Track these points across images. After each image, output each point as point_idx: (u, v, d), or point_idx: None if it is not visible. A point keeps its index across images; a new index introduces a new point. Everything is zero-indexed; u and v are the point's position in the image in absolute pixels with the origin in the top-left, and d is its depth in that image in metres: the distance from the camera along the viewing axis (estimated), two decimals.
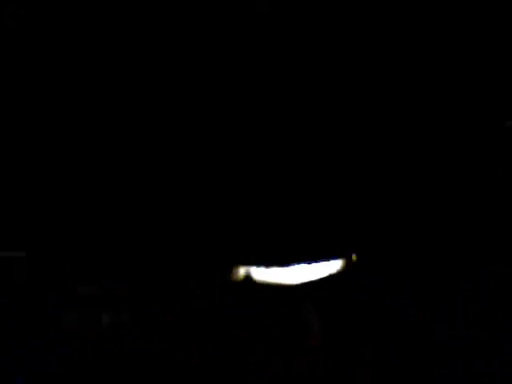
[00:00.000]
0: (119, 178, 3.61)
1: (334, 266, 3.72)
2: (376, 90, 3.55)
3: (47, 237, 3.55)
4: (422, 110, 3.52)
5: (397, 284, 3.44)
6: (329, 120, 3.56)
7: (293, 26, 3.61)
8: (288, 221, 3.65)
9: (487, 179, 3.48)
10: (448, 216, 3.51)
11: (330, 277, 3.63)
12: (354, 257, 3.68)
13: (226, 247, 3.65)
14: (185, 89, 3.65)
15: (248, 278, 3.67)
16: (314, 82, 3.60)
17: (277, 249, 3.68)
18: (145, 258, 3.56)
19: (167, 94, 3.65)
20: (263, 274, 3.69)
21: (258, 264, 3.66)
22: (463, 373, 3.26)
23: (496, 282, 3.39)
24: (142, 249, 3.57)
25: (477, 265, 3.44)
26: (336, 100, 3.56)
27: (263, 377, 3.31)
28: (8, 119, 3.63)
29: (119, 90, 3.65)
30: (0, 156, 3.61)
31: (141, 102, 3.65)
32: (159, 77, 3.64)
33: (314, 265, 3.69)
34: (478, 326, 3.35)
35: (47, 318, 3.47)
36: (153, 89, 3.64)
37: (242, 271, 3.68)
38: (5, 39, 3.63)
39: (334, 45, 3.58)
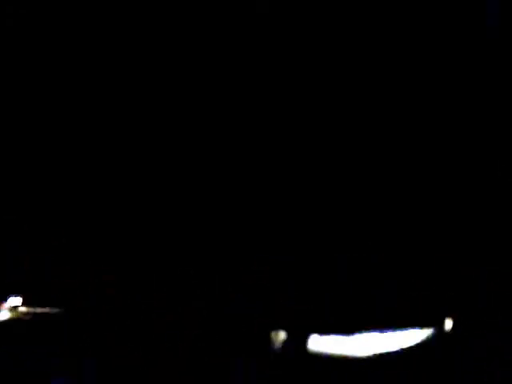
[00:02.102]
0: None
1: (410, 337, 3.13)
2: (376, 90, 3.54)
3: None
4: (422, 111, 3.52)
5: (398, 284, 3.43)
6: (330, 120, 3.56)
7: (292, 25, 3.60)
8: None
9: (487, 179, 3.47)
10: (448, 216, 3.50)
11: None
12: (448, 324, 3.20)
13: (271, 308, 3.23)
14: (185, 88, 3.64)
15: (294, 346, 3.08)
16: (313, 82, 3.60)
17: (339, 312, 3.14)
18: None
19: (167, 93, 3.64)
20: (317, 344, 3.09)
21: (311, 331, 3.11)
22: (464, 372, 3.26)
23: (496, 282, 3.38)
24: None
25: (477, 265, 3.43)
26: (336, 100, 3.56)
27: (263, 377, 3.31)
28: (8, 119, 3.63)
29: (119, 90, 3.64)
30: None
31: (141, 102, 3.64)
32: (159, 77, 3.64)
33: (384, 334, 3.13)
34: (477, 326, 3.34)
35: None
36: (153, 89, 3.64)
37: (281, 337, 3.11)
38: (5, 39, 3.62)
39: (334, 44, 3.58)
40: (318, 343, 3.14)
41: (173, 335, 3.39)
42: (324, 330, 3.13)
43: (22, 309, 3.38)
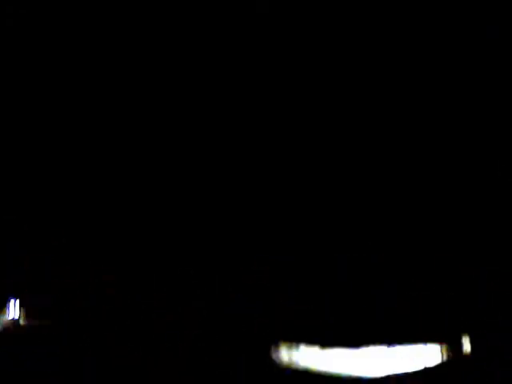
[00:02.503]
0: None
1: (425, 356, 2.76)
2: (376, 91, 3.54)
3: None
4: (423, 112, 3.51)
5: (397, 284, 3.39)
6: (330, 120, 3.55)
7: (292, 26, 3.60)
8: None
9: (487, 179, 3.46)
10: (448, 217, 3.49)
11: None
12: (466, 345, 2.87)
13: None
14: (185, 88, 3.64)
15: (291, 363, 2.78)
16: (313, 82, 3.59)
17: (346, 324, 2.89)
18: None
19: (167, 94, 3.64)
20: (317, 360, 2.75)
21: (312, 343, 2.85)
22: (465, 372, 3.25)
23: (496, 282, 3.36)
24: None
25: (477, 265, 3.40)
26: (337, 101, 3.55)
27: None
28: (8, 119, 3.62)
29: (119, 90, 3.64)
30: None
31: (141, 102, 3.64)
32: (159, 77, 3.63)
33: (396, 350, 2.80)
34: (477, 326, 3.33)
35: None
36: (153, 89, 3.63)
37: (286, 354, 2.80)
38: (5, 39, 3.62)
39: (334, 45, 3.57)
40: (321, 360, 2.88)
41: (173, 335, 3.38)
42: (327, 343, 2.88)
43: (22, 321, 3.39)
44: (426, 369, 2.91)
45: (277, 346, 2.99)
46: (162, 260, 3.53)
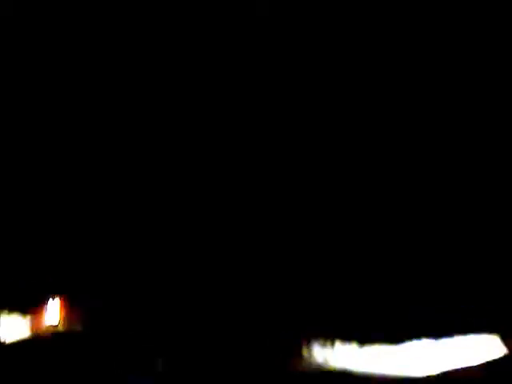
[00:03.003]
0: None
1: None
2: (376, 91, 3.55)
3: None
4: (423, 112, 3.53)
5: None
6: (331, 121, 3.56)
7: (292, 28, 3.62)
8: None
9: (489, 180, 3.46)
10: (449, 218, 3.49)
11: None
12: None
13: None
14: (184, 89, 3.63)
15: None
16: (313, 83, 3.60)
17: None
18: None
19: (167, 94, 3.63)
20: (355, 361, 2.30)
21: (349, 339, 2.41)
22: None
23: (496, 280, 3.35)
24: None
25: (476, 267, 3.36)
26: (337, 102, 3.56)
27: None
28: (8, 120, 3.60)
29: (119, 90, 3.63)
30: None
31: (141, 102, 3.63)
32: (159, 77, 3.63)
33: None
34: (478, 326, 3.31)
35: None
36: (152, 89, 3.63)
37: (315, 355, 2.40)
38: (5, 39, 3.61)
39: (333, 46, 3.59)
40: (360, 359, 2.49)
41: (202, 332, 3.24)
42: (366, 339, 2.51)
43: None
44: (482, 365, 2.56)
45: (309, 343, 2.65)
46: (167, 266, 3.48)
